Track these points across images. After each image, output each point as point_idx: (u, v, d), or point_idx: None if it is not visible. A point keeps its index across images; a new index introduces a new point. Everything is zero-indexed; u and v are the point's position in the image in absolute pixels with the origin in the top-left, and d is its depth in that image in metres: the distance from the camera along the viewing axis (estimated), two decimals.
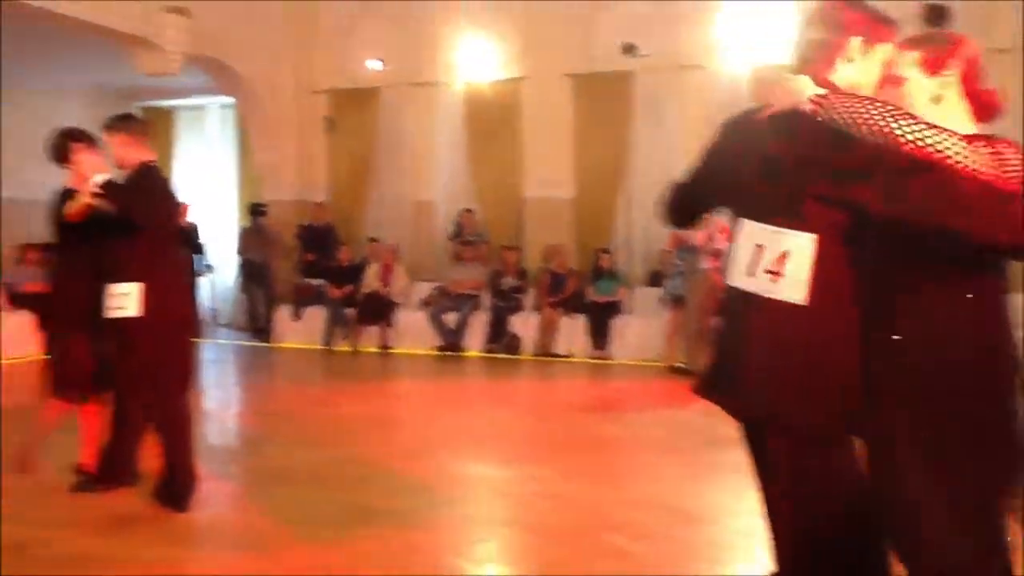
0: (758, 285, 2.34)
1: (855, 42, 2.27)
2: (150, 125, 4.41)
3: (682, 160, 10.51)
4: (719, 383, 2.48)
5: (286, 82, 12.26)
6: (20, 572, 3.43)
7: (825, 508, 2.38)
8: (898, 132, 2.01)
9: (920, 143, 1.99)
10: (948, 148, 1.98)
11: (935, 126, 2.02)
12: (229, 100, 12.89)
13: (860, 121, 2.05)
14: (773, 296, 2.31)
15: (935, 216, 1.99)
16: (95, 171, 4.33)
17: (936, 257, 2.10)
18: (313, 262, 11.68)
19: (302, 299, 11.40)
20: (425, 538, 3.99)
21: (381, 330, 10.89)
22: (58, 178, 4.73)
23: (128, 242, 4.31)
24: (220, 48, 10.88)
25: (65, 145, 4.53)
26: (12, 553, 3.62)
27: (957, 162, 1.97)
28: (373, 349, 10.82)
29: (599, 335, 10.24)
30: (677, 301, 9.27)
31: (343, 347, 10.92)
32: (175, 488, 4.30)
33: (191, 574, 3.54)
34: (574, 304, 10.47)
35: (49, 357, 4.65)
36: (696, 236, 8.70)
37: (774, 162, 2.30)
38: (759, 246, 2.34)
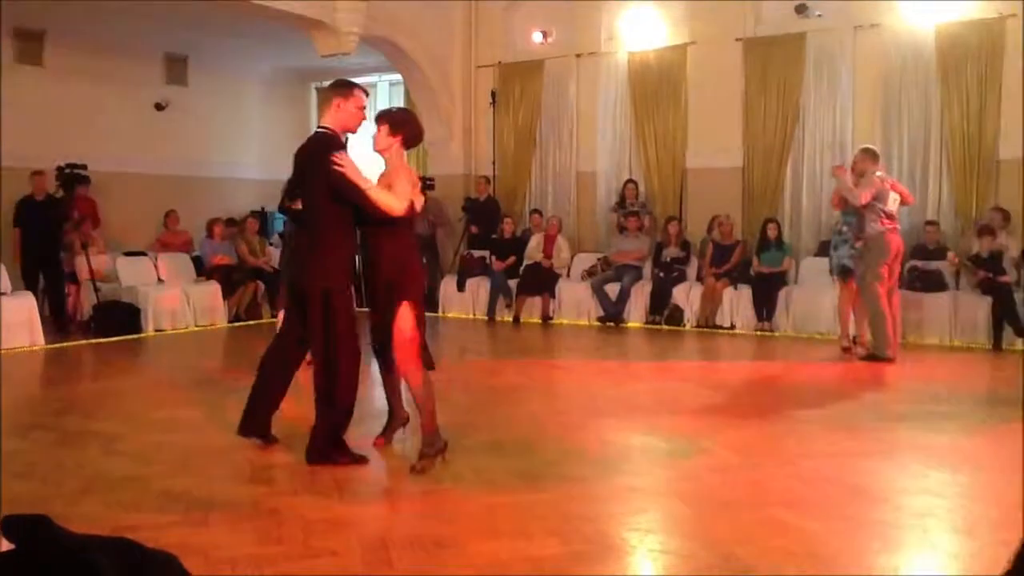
0: None
1: None
2: (331, 94, 4.72)
3: (855, 125, 10.20)
4: None
5: (453, 58, 12.53)
6: (272, 533, 3.75)
7: None
8: None
9: None
10: None
11: None
12: (397, 77, 13.29)
13: None
14: None
15: None
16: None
17: None
18: (477, 234, 11.94)
19: (466, 270, 11.68)
20: (589, 506, 4.04)
21: (543, 301, 11.02)
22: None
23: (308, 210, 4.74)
24: (391, 27, 11.23)
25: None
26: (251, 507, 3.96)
27: None
28: (535, 320, 10.97)
29: (764, 307, 9.99)
30: (845, 273, 8.39)
31: (506, 318, 11.13)
32: (320, 446, 4.62)
33: (370, 532, 3.73)
34: (739, 275, 10.26)
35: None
36: (861, 195, 7.75)
37: None
38: None
